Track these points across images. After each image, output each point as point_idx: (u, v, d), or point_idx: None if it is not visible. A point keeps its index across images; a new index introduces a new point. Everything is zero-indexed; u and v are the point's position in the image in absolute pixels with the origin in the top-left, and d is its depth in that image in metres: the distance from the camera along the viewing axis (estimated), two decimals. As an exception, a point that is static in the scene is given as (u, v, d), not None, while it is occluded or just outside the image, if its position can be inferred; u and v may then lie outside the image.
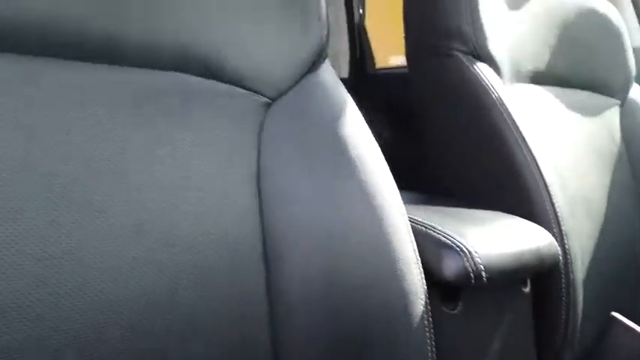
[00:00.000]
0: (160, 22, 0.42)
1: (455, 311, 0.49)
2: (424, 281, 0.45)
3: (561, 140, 0.77)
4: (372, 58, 1.73)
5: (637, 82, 0.95)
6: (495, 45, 0.70)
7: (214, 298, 0.39)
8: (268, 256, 0.42)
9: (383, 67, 1.78)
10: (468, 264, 0.46)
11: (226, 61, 0.45)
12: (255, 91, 0.46)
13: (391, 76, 1.46)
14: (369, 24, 1.73)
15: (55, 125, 0.37)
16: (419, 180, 0.70)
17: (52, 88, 0.37)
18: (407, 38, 0.78)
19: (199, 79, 0.44)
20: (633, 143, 0.87)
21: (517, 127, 0.64)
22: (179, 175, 0.41)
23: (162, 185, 0.40)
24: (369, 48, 1.72)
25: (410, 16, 0.77)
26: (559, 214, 0.61)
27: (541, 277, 0.58)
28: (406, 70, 0.81)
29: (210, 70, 0.44)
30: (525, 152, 0.64)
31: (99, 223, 0.36)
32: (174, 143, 0.41)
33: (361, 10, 1.71)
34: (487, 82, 0.66)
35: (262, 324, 0.41)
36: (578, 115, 0.83)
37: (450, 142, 0.74)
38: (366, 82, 1.51)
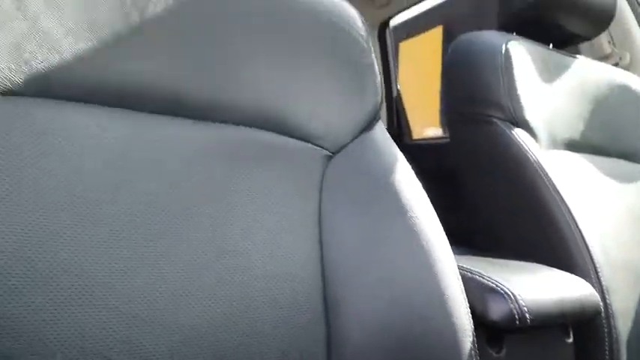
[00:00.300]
0: (244, 86, 0.50)
1: (500, 354, 0.52)
2: (472, 322, 0.48)
3: (599, 204, 0.80)
4: (409, 129, 1.83)
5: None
6: (532, 113, 0.76)
7: (271, 334, 0.44)
8: (327, 299, 0.47)
9: (419, 138, 1.86)
10: (512, 306, 0.49)
11: (296, 119, 0.52)
12: (320, 146, 0.53)
13: (427, 146, 1.54)
14: (404, 98, 1.85)
15: (152, 171, 0.44)
16: (456, 244, 0.74)
17: (152, 140, 0.45)
18: (446, 107, 0.86)
19: (272, 134, 0.51)
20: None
21: (555, 187, 0.69)
22: (252, 219, 0.47)
23: (237, 227, 0.46)
24: (406, 120, 1.82)
25: (448, 86, 0.85)
26: (599, 270, 0.64)
27: (584, 330, 0.60)
28: (441, 141, 0.87)
29: (282, 126, 0.52)
30: (564, 211, 0.67)
31: (187, 257, 0.42)
32: (250, 190, 0.48)
33: (399, 86, 1.83)
34: (525, 146, 0.72)
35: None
36: (615, 182, 0.86)
37: (489, 203, 0.78)
38: (403, 153, 1.59)
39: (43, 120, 0.40)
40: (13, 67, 0.40)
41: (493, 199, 0.75)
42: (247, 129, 0.50)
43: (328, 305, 0.47)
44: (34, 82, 0.41)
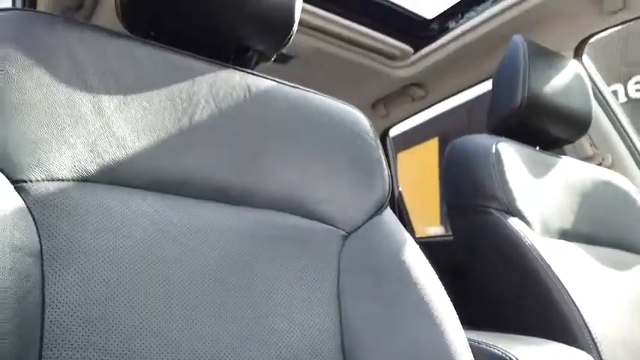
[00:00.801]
0: (274, 178, 0.59)
1: None
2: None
3: (595, 288, 0.85)
4: (412, 228, 1.91)
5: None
6: (524, 203, 0.85)
7: None
8: None
9: (421, 236, 1.93)
10: (520, 374, 0.53)
11: (317, 205, 0.61)
12: (337, 227, 0.61)
13: (431, 243, 1.60)
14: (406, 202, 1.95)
15: (202, 249, 0.51)
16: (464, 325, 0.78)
17: (200, 222, 0.53)
18: (447, 203, 0.95)
19: (297, 217, 0.59)
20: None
21: (552, 270, 0.75)
22: (283, 293, 0.53)
23: (262, 304, 0.52)
24: (409, 220, 1.91)
25: (447, 184, 0.95)
26: (599, 345, 0.67)
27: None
28: (445, 238, 0.95)
29: (305, 210, 0.60)
30: (563, 292, 0.73)
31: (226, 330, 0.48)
32: (281, 265, 0.55)
33: (400, 188, 1.94)
34: (521, 232, 0.79)
35: None
36: (609, 269, 0.92)
37: (492, 287, 0.83)
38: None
39: (109, 203, 0.48)
40: (89, 159, 0.49)
41: (496, 283, 0.81)
42: (275, 212, 0.58)
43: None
44: (105, 172, 0.50)
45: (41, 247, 0.43)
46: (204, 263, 0.50)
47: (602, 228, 0.98)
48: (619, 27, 1.13)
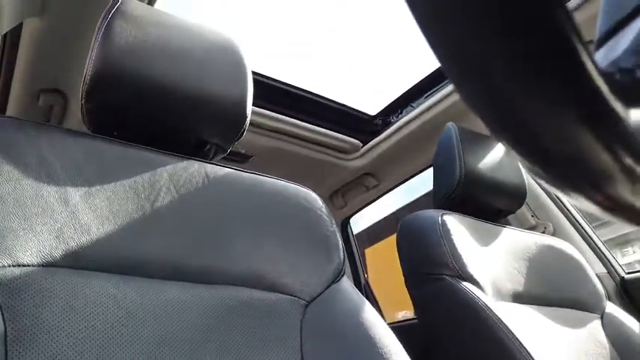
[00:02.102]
0: (233, 255, 0.63)
1: None
2: None
3: (559, 348, 0.88)
4: (382, 314, 1.91)
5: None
6: (474, 269, 0.90)
7: None
8: None
9: (391, 322, 1.93)
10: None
11: (277, 278, 0.64)
12: (298, 297, 0.64)
13: (399, 328, 1.60)
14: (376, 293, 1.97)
15: (160, 325, 0.53)
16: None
17: (160, 300, 0.55)
18: (403, 272, 0.99)
19: (259, 290, 0.62)
20: (619, 347, 0.97)
21: (508, 329, 0.79)
22: None
23: None
24: (378, 306, 1.91)
25: (402, 255, 1.00)
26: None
27: None
28: (411, 322, 0.98)
29: (265, 284, 0.63)
30: (521, 349, 0.76)
31: None
32: (243, 338, 0.57)
33: (366, 275, 1.97)
34: (475, 296, 0.83)
35: None
36: (563, 327, 0.96)
37: (452, 350, 0.85)
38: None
39: (74, 285, 0.51)
40: (55, 245, 0.52)
41: (457, 346, 0.83)
42: (237, 287, 0.61)
43: None
44: (70, 257, 0.53)
45: (5, 329, 0.45)
46: (166, 340, 0.52)
47: (552, 289, 1.04)
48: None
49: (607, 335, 1.00)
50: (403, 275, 1.00)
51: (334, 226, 0.74)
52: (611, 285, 1.24)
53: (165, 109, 0.68)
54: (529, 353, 0.77)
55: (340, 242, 0.72)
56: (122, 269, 0.55)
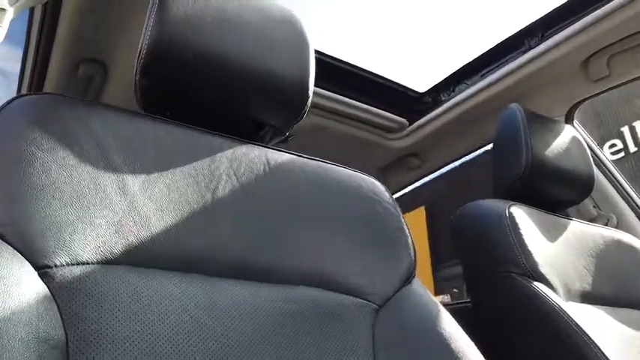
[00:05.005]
0: (299, 253, 0.57)
1: None
2: None
3: (628, 354, 0.81)
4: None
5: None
6: (545, 267, 0.83)
7: None
8: None
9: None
10: None
11: (346, 278, 0.58)
12: (367, 300, 0.58)
13: (455, 310, 1.55)
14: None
15: (225, 328, 0.48)
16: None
17: (223, 300, 0.50)
18: (463, 266, 0.92)
19: (326, 291, 0.57)
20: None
21: (588, 336, 0.72)
22: None
23: None
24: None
25: (462, 247, 0.93)
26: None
27: None
28: (461, 305, 0.91)
29: (334, 284, 0.57)
30: (600, 355, 0.69)
31: None
32: (312, 343, 0.52)
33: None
34: (550, 298, 0.77)
35: None
36: (634, 331, 0.89)
37: (519, 351, 0.79)
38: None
39: (136, 286, 0.46)
40: (114, 240, 0.47)
41: (525, 347, 0.77)
42: (303, 288, 0.56)
43: None
44: (130, 253, 0.47)
45: (67, 337, 0.40)
46: (234, 346, 0.47)
47: (622, 288, 0.96)
48: (605, 93, 1.19)
49: (682, 341, 0.92)
50: (463, 268, 0.93)
51: (403, 220, 0.67)
52: (680, 284, 1.15)
53: (224, 87, 0.62)
54: (601, 351, 0.71)
55: (410, 239, 0.66)
56: (183, 266, 0.50)
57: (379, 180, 1.67)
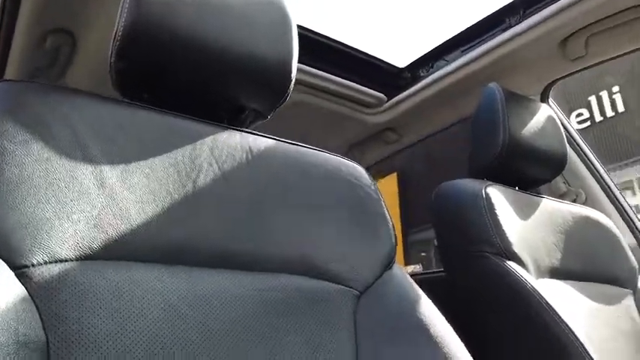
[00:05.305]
0: (280, 240, 0.57)
1: None
2: None
3: (593, 325, 0.86)
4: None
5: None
6: (518, 246, 0.86)
7: None
8: None
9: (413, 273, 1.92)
10: None
11: (327, 265, 0.59)
12: (349, 286, 0.59)
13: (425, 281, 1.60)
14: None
15: (207, 317, 0.48)
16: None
17: (205, 290, 0.50)
18: (439, 244, 0.95)
19: (307, 278, 0.57)
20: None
21: (554, 311, 0.75)
22: (297, 354, 0.51)
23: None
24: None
25: (439, 226, 0.95)
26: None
27: None
28: (434, 275, 0.94)
29: (315, 271, 0.58)
30: (569, 335, 0.73)
31: None
32: (294, 331, 0.52)
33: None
34: (521, 277, 0.79)
35: None
36: (600, 305, 0.93)
37: (494, 333, 0.83)
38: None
39: (117, 281, 0.45)
40: (93, 234, 0.46)
41: (497, 324, 0.80)
42: (285, 275, 0.56)
43: None
44: (110, 248, 0.46)
45: (47, 339, 0.39)
46: (216, 336, 0.47)
47: (589, 263, 1.00)
48: (582, 71, 1.20)
49: (640, 312, 0.98)
50: (439, 249, 0.96)
51: (384, 205, 0.68)
52: (641, 257, 1.21)
53: (203, 70, 0.60)
54: (573, 333, 0.74)
55: (391, 224, 0.66)
56: (165, 258, 0.50)
57: (356, 154, 1.68)
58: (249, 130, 0.65)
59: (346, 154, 1.68)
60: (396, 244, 0.66)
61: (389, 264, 0.63)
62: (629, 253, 1.09)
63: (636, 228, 1.26)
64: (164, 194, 0.52)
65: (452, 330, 0.58)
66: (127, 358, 0.42)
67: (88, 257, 0.45)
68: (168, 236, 0.50)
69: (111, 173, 0.50)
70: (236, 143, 0.61)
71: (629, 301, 1.00)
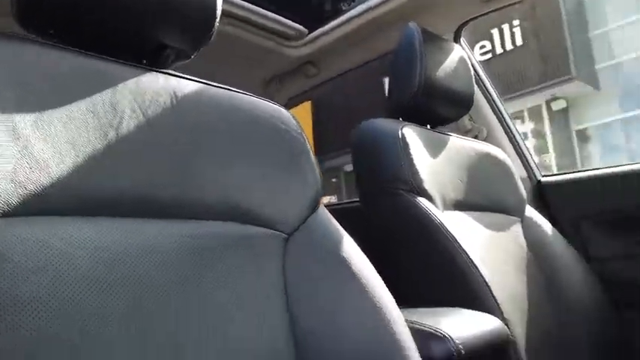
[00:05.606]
0: (206, 185, 0.57)
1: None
2: (421, 363, 0.58)
3: (488, 251, 0.98)
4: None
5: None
6: (429, 183, 0.93)
7: None
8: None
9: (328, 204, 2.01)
10: (450, 346, 0.61)
11: (254, 209, 0.60)
12: (276, 229, 0.61)
13: (341, 211, 1.68)
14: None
15: (135, 268, 0.48)
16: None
17: (131, 241, 0.49)
18: (358, 181, 1.00)
19: (235, 224, 0.59)
20: (535, 250, 1.11)
21: (457, 242, 0.85)
22: (225, 299, 0.53)
23: (211, 307, 0.52)
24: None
25: (358, 165, 1.00)
26: (501, 306, 0.79)
27: (497, 355, 0.73)
28: (351, 205, 0.99)
29: (242, 216, 0.59)
30: (467, 261, 0.83)
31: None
32: (222, 277, 0.54)
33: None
34: (429, 211, 0.87)
35: None
36: (494, 232, 1.06)
37: (405, 262, 0.91)
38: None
39: (39, 238, 0.44)
40: (11, 190, 0.43)
41: (408, 258, 0.89)
42: (212, 222, 0.57)
43: (302, 355, 0.55)
44: (28, 203, 0.44)
45: None
46: (141, 287, 0.48)
47: (486, 195, 1.12)
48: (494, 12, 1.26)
49: (526, 238, 1.13)
50: (356, 183, 1.01)
51: (309, 148, 0.70)
52: (529, 188, 1.36)
53: (118, 3, 0.56)
54: (474, 263, 0.85)
55: (317, 167, 0.69)
56: (88, 210, 0.48)
57: (275, 87, 1.65)
58: (173, 72, 0.63)
59: (265, 87, 1.65)
60: (321, 189, 0.69)
61: (315, 206, 0.66)
62: (520, 185, 1.22)
63: (527, 162, 1.41)
64: (84, 143, 0.50)
65: (373, 268, 0.64)
66: (57, 315, 0.41)
67: (6, 214, 0.43)
68: (91, 187, 0.49)
69: (24, 122, 0.46)
70: (160, 87, 0.58)
71: (518, 228, 1.14)
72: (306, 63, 1.52)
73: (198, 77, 0.65)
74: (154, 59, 0.64)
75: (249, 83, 1.57)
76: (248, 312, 0.54)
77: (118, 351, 0.44)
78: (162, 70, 0.61)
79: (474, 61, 1.40)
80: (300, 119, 0.74)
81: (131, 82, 0.56)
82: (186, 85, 0.61)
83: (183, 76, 0.63)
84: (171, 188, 0.54)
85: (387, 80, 1.18)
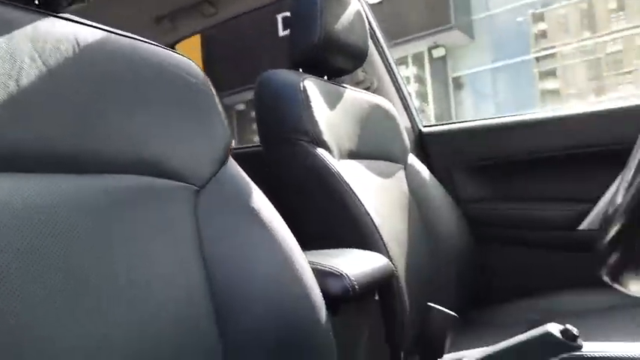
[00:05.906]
0: (113, 137, 0.57)
1: (338, 317, 0.72)
2: (322, 298, 0.67)
3: (377, 196, 1.09)
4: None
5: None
6: (327, 134, 1.00)
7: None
8: (216, 299, 0.59)
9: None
10: (346, 283, 0.70)
11: (163, 162, 0.61)
12: (187, 182, 0.63)
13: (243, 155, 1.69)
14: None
15: (41, 226, 0.48)
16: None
17: (37, 198, 0.49)
18: (260, 131, 1.03)
19: (145, 177, 0.59)
20: (415, 194, 1.25)
21: (351, 189, 0.93)
22: (137, 255, 0.54)
23: (123, 272, 0.53)
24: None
25: (261, 114, 1.03)
26: (387, 246, 0.91)
27: (384, 289, 0.86)
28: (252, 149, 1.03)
29: (151, 170, 0.60)
30: (360, 206, 0.92)
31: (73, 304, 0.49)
32: (132, 231, 0.55)
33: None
34: (327, 161, 0.94)
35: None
36: (381, 179, 1.17)
37: (304, 207, 0.99)
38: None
39: None
40: None
41: (305, 205, 0.96)
42: (125, 176, 0.57)
43: (217, 301, 0.59)
44: None
45: None
46: (45, 249, 0.47)
47: (376, 145, 1.22)
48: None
49: (408, 184, 1.26)
50: (259, 132, 1.04)
51: (217, 102, 0.71)
52: (412, 138, 1.50)
53: None
54: (365, 207, 0.95)
55: (226, 120, 0.71)
56: None
57: (166, 25, 1.57)
58: (73, 17, 0.59)
59: (154, 24, 1.56)
60: (231, 141, 0.71)
61: (225, 160, 0.69)
62: (404, 135, 1.35)
63: (411, 114, 1.55)
64: None
65: (280, 217, 0.69)
66: None
67: None
68: None
69: None
70: (60, 34, 0.55)
71: (401, 175, 1.27)
72: (205, 2, 1.46)
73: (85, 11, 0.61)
74: (47, 2, 0.59)
75: (135, 21, 1.47)
76: (163, 265, 0.56)
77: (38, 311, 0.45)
78: (60, 15, 0.57)
79: (370, 16, 1.46)
80: (187, 53, 0.74)
81: (29, 29, 0.52)
82: (89, 33, 0.58)
83: (83, 21, 0.59)
84: (76, 142, 0.53)
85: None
